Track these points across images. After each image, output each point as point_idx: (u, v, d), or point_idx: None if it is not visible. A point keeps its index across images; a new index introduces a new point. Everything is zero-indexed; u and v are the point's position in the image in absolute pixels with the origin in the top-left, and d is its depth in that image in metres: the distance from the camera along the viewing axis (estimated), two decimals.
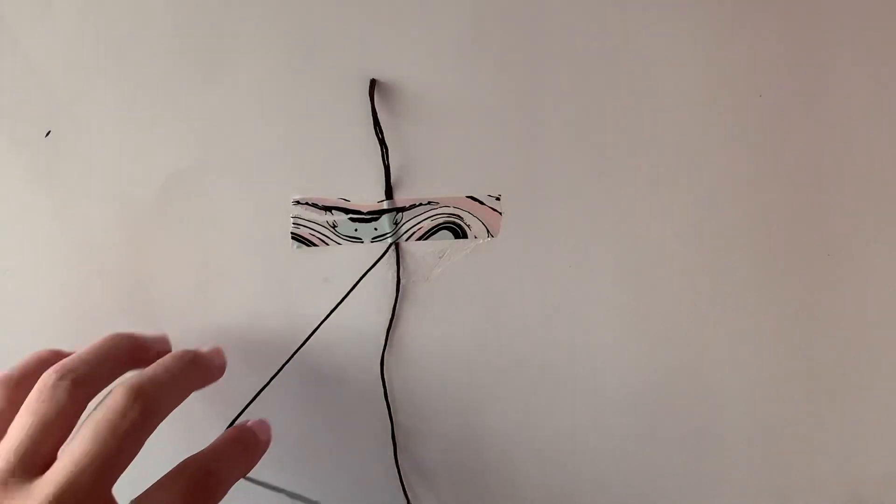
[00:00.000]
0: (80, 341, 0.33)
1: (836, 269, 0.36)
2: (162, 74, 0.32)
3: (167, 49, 0.31)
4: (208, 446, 0.30)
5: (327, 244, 0.34)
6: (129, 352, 0.30)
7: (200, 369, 0.31)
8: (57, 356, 0.30)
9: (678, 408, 0.37)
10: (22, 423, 0.26)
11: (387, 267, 0.34)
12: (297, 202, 0.33)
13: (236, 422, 0.34)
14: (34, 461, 0.25)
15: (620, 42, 0.33)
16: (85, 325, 0.33)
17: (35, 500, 0.24)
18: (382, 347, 0.35)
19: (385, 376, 0.35)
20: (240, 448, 0.31)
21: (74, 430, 0.27)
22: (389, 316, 0.34)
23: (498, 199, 0.34)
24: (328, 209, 0.33)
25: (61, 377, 0.27)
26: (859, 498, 0.38)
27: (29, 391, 0.27)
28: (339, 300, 0.34)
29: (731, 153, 0.35)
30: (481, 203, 0.34)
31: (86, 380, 0.27)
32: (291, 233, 0.33)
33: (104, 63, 0.31)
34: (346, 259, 0.34)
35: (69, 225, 0.33)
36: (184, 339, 0.33)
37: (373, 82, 0.32)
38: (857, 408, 0.37)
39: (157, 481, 0.27)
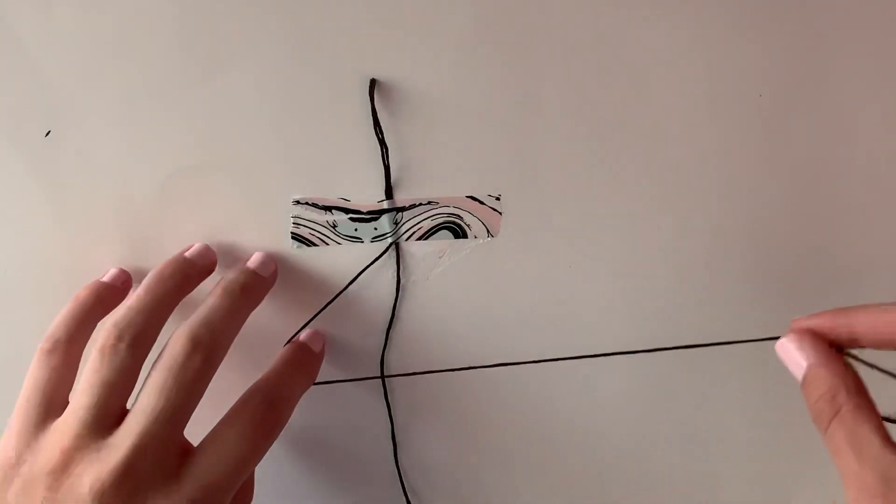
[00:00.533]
0: None
1: (835, 269, 0.36)
2: (162, 74, 0.32)
3: (167, 48, 0.31)
4: (267, 372, 0.31)
5: (327, 244, 0.34)
6: (178, 288, 0.31)
7: (252, 293, 0.31)
8: (97, 300, 0.31)
9: (678, 407, 0.37)
10: (88, 385, 0.27)
11: (387, 267, 0.34)
12: (297, 202, 0.33)
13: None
14: (107, 417, 0.27)
15: (620, 42, 0.33)
16: None
17: (117, 452, 0.26)
18: (382, 347, 0.35)
19: (384, 377, 0.35)
20: (298, 367, 0.32)
21: (139, 380, 0.28)
22: (389, 315, 0.34)
23: (498, 199, 0.34)
24: (328, 209, 0.33)
25: (119, 338, 0.28)
26: None
27: (81, 345, 0.29)
28: (339, 298, 0.34)
29: (731, 153, 0.35)
30: (481, 203, 0.34)
31: (143, 338, 0.28)
32: (292, 232, 0.33)
33: (104, 63, 0.31)
34: (346, 259, 0.34)
35: (69, 225, 0.33)
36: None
37: (373, 82, 0.32)
38: None
39: (224, 417, 0.28)
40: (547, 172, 0.34)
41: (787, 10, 0.34)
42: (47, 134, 0.32)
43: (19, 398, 0.28)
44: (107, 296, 0.31)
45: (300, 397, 0.32)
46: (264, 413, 0.29)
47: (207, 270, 0.33)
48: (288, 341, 0.34)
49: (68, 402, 0.28)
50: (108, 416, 0.27)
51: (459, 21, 0.32)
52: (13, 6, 0.31)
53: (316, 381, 0.34)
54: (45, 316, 0.33)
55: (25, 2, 0.31)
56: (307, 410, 0.35)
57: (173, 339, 0.28)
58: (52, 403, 0.28)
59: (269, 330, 0.34)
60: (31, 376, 0.29)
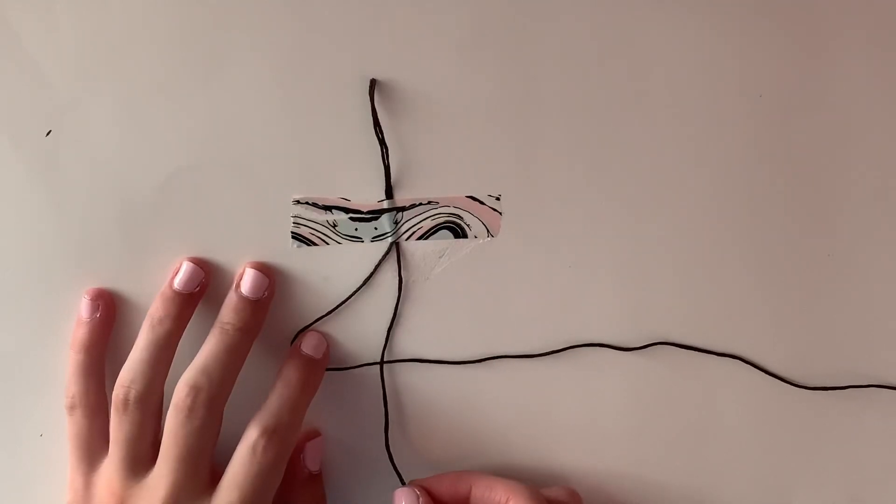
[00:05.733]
0: None
1: (836, 269, 0.36)
2: (162, 74, 0.32)
3: (167, 49, 0.32)
4: (268, 398, 0.32)
5: (327, 243, 0.34)
6: (175, 329, 0.32)
7: (247, 328, 0.32)
8: (90, 343, 0.32)
9: (677, 406, 0.37)
10: (115, 440, 0.31)
11: (387, 266, 0.34)
12: (298, 202, 0.33)
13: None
14: (139, 464, 0.31)
15: (620, 42, 0.33)
16: None
17: (157, 493, 0.30)
18: (383, 346, 0.35)
19: (385, 375, 0.35)
20: (298, 386, 0.32)
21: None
22: (391, 315, 0.34)
23: (498, 199, 0.34)
24: (328, 208, 0.33)
25: (126, 397, 0.31)
26: (859, 498, 0.38)
27: (95, 392, 0.32)
28: (339, 298, 0.34)
29: (731, 153, 0.35)
30: (481, 203, 0.34)
31: (147, 392, 0.31)
32: (292, 232, 0.33)
33: (105, 62, 0.31)
34: (346, 258, 0.34)
35: (69, 224, 0.33)
36: (183, 339, 0.33)
37: (373, 82, 0.32)
38: (857, 407, 0.37)
39: (234, 456, 0.30)
40: (547, 172, 0.34)
41: (787, 10, 0.34)
42: (48, 133, 0.32)
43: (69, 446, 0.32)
44: (94, 334, 0.32)
45: (305, 413, 0.32)
46: (265, 447, 0.30)
47: (200, 294, 0.33)
48: (295, 336, 0.34)
49: (108, 441, 0.32)
50: (139, 462, 0.31)
51: (459, 21, 0.32)
52: (15, 5, 0.31)
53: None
54: (47, 314, 0.33)
55: (27, 2, 0.31)
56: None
57: (177, 387, 0.30)
58: (91, 451, 0.32)
59: (272, 329, 0.34)
60: (68, 430, 0.32)
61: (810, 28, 0.34)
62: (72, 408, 0.32)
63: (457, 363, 0.35)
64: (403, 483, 0.35)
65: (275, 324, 0.34)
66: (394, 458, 0.35)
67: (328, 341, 0.34)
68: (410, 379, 0.35)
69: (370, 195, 0.33)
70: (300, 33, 0.32)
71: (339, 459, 0.36)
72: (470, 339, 0.35)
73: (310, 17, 0.32)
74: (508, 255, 0.35)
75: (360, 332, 0.35)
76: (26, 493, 0.35)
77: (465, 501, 0.33)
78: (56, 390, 0.33)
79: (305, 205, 0.33)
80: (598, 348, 0.36)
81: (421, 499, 0.32)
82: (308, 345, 0.33)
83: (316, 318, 0.34)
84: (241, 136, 0.32)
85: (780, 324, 0.36)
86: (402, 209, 0.34)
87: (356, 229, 0.34)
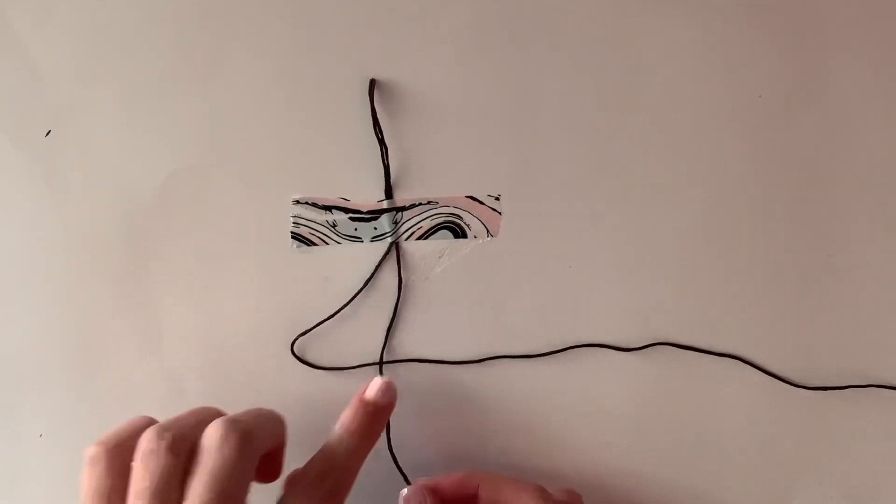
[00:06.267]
0: (80, 340, 0.33)
1: (836, 269, 0.36)
2: (162, 75, 0.32)
3: (167, 49, 0.32)
4: (332, 445, 0.30)
5: (327, 243, 0.34)
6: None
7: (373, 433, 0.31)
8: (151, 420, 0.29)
9: (677, 406, 0.37)
10: (135, 494, 0.26)
11: (387, 266, 0.34)
12: (298, 201, 0.33)
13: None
14: None
15: (620, 42, 0.33)
16: (85, 324, 0.33)
17: None
18: (382, 346, 0.35)
19: (385, 375, 0.35)
20: (361, 434, 0.30)
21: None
22: (391, 315, 0.34)
23: (498, 198, 0.34)
24: (328, 208, 0.33)
25: (159, 441, 0.27)
26: (859, 498, 0.38)
27: (126, 452, 0.27)
28: (339, 299, 0.34)
29: (731, 153, 0.35)
30: (481, 203, 0.34)
31: (181, 440, 0.27)
32: (291, 232, 0.33)
33: (105, 63, 0.31)
34: (346, 258, 0.34)
35: (69, 224, 0.33)
36: (184, 338, 0.33)
37: (373, 82, 0.32)
38: (857, 407, 0.37)
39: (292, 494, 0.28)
40: (547, 172, 0.34)
41: (787, 11, 0.34)
42: (48, 133, 0.32)
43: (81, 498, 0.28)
44: None
45: (363, 461, 0.31)
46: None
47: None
48: (296, 338, 0.34)
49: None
50: None
51: (459, 22, 0.32)
52: (15, 6, 0.31)
53: (318, 366, 0.34)
54: (47, 314, 0.33)
55: (27, 2, 0.31)
56: (308, 407, 0.35)
57: (208, 429, 0.27)
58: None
59: (271, 330, 0.34)
60: (84, 481, 0.27)
61: (810, 28, 0.34)
62: (94, 460, 0.27)
63: (457, 363, 0.35)
64: (408, 483, 0.35)
65: (274, 324, 0.34)
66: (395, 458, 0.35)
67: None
68: (410, 379, 0.35)
69: (370, 195, 0.33)
70: (300, 34, 0.32)
71: None
72: (470, 339, 0.35)
73: (310, 18, 0.32)
74: (508, 255, 0.35)
75: (360, 332, 0.35)
76: (26, 493, 0.35)
77: (473, 501, 0.33)
78: (56, 390, 0.33)
79: (305, 205, 0.33)
80: (598, 348, 0.36)
81: (428, 499, 0.32)
82: (372, 390, 0.32)
83: (318, 321, 0.34)
84: (241, 136, 0.32)
85: (780, 324, 0.36)
86: (402, 209, 0.34)
87: (356, 229, 0.34)
